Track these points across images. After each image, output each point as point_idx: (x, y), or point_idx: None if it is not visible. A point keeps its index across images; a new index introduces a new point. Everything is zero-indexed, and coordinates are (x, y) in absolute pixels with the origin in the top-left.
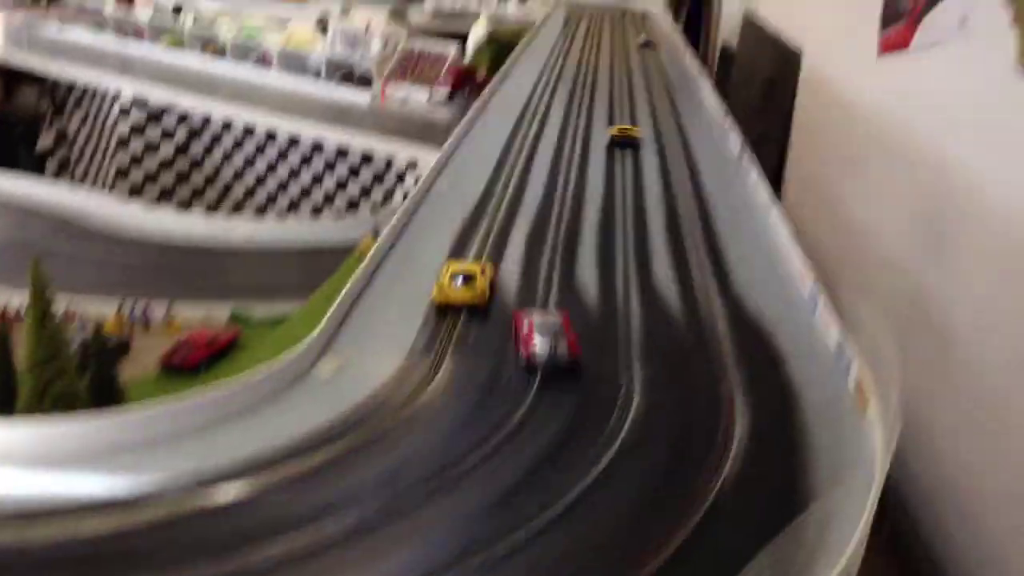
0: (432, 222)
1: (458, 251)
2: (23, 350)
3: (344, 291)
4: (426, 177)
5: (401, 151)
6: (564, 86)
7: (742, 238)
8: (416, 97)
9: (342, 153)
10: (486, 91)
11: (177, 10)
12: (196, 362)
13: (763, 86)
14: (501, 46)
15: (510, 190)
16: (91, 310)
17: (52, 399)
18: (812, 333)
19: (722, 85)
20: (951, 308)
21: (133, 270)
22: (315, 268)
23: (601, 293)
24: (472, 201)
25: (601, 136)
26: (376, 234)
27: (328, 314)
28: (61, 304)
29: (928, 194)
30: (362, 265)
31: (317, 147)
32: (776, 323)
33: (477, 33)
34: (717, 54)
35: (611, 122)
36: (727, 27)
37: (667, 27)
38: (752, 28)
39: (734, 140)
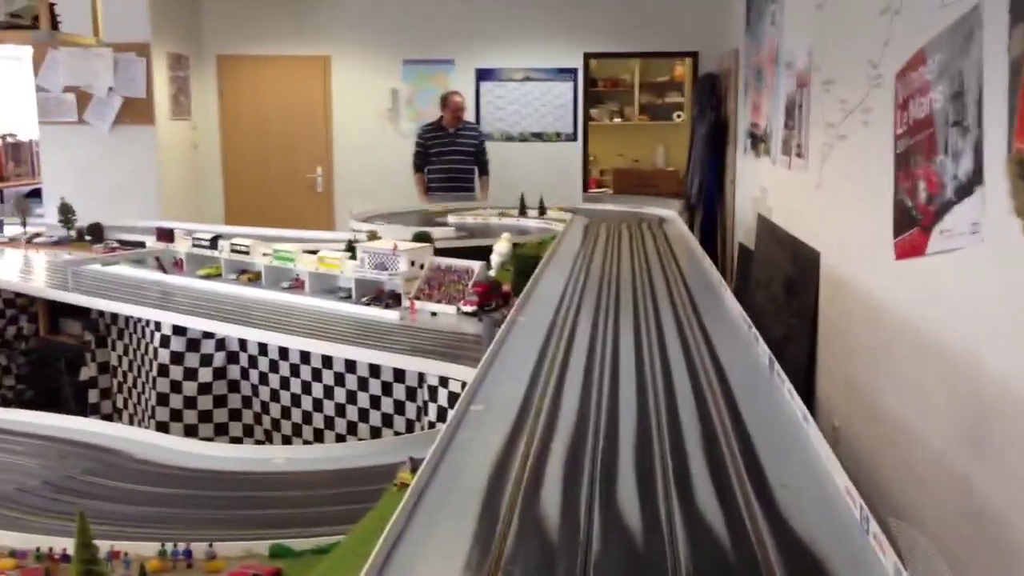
0: (470, 447)
1: (497, 479)
2: None
3: (385, 534)
4: (461, 400)
5: (432, 368)
6: (589, 297)
7: (781, 455)
8: (444, 313)
9: (374, 372)
10: (514, 307)
11: (214, 242)
12: None
13: (785, 284)
14: (524, 259)
15: (544, 412)
16: (133, 548)
17: None
18: (866, 557)
19: (743, 283)
20: (1008, 512)
21: (173, 504)
22: (354, 492)
23: (644, 521)
24: (508, 423)
25: (629, 348)
26: (414, 464)
27: (370, 562)
28: (104, 543)
29: (963, 390)
30: (402, 503)
31: (350, 366)
32: (827, 547)
33: (500, 248)
34: (735, 254)
35: (637, 332)
36: (742, 228)
37: (684, 231)
38: (768, 229)
39: (762, 350)
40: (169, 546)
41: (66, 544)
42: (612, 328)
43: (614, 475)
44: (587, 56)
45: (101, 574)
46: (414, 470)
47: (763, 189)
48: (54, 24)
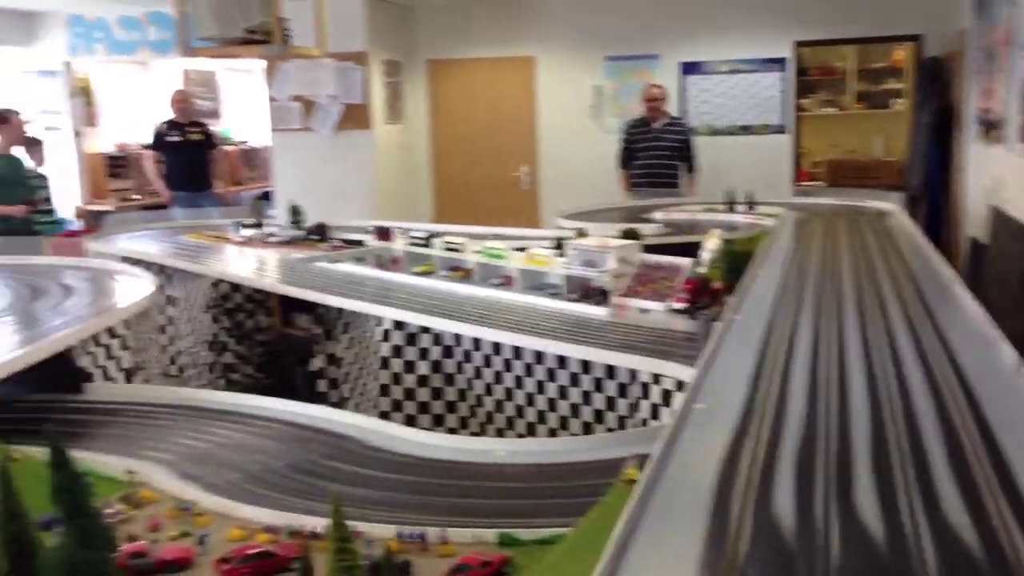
0: (696, 445)
1: (726, 479)
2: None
3: (617, 529)
4: (684, 398)
5: (643, 365)
6: (808, 294)
7: None
8: (653, 310)
9: (585, 368)
10: (729, 305)
11: (428, 240)
12: None
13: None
14: (736, 255)
15: (769, 412)
16: (370, 530)
17: None
18: None
19: (973, 279)
20: None
21: (404, 490)
22: (577, 486)
23: (886, 528)
24: (732, 422)
25: (857, 348)
26: (640, 460)
27: (605, 557)
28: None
29: None
30: (632, 497)
31: (561, 362)
32: None
33: (710, 244)
34: (964, 248)
35: (864, 332)
36: (972, 221)
37: (907, 225)
38: (1003, 221)
39: (1007, 352)
40: (405, 529)
41: (314, 523)
42: (836, 328)
43: (849, 479)
44: (798, 44)
45: (354, 554)
46: (641, 467)
47: (997, 179)
48: (285, 38)
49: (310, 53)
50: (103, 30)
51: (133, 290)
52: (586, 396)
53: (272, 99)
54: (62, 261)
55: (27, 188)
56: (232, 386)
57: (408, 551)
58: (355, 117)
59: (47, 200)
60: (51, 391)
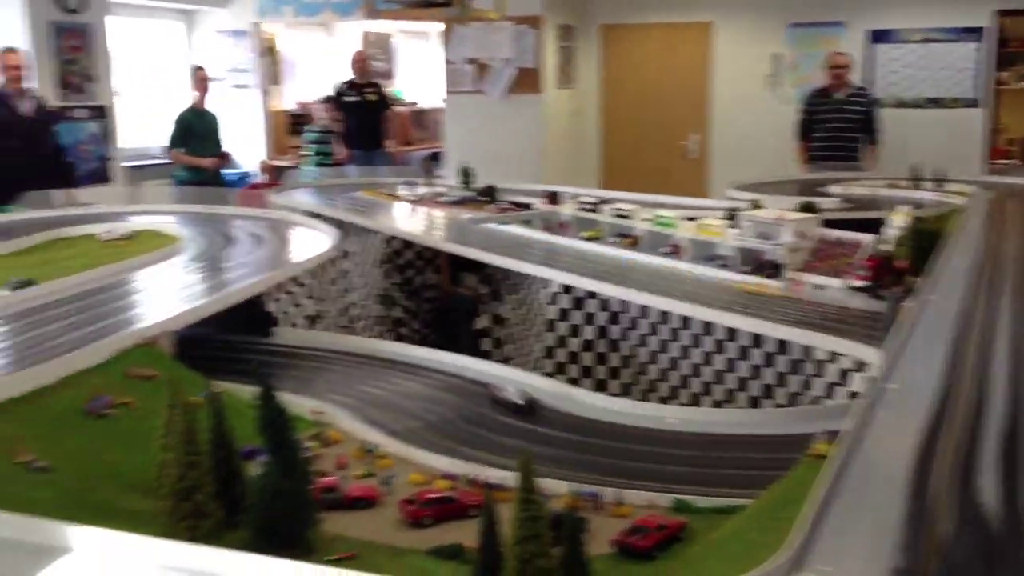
0: (890, 426)
1: (924, 461)
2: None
3: (809, 502)
4: (876, 378)
5: (822, 342)
6: (1005, 278)
7: None
8: (830, 287)
9: (756, 341)
10: (920, 285)
11: (596, 206)
12: (650, 547)
13: None
14: (925, 234)
15: (969, 396)
16: (545, 486)
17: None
18: None
19: None
20: None
21: (577, 449)
22: (756, 458)
23: None
24: (929, 404)
25: None
26: (830, 436)
27: (795, 527)
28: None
29: None
30: (825, 472)
31: (730, 334)
32: None
33: (897, 221)
34: None
35: None
36: None
37: None
38: None
39: None
40: (581, 487)
41: (492, 474)
42: None
43: None
44: (1000, 14)
45: (540, 506)
46: (830, 443)
47: None
48: (465, 2)
49: (488, 16)
50: None
51: (316, 242)
52: (755, 370)
53: (448, 61)
54: (250, 212)
55: (218, 143)
56: (400, 340)
57: (583, 508)
58: (527, 81)
59: None
60: (243, 333)
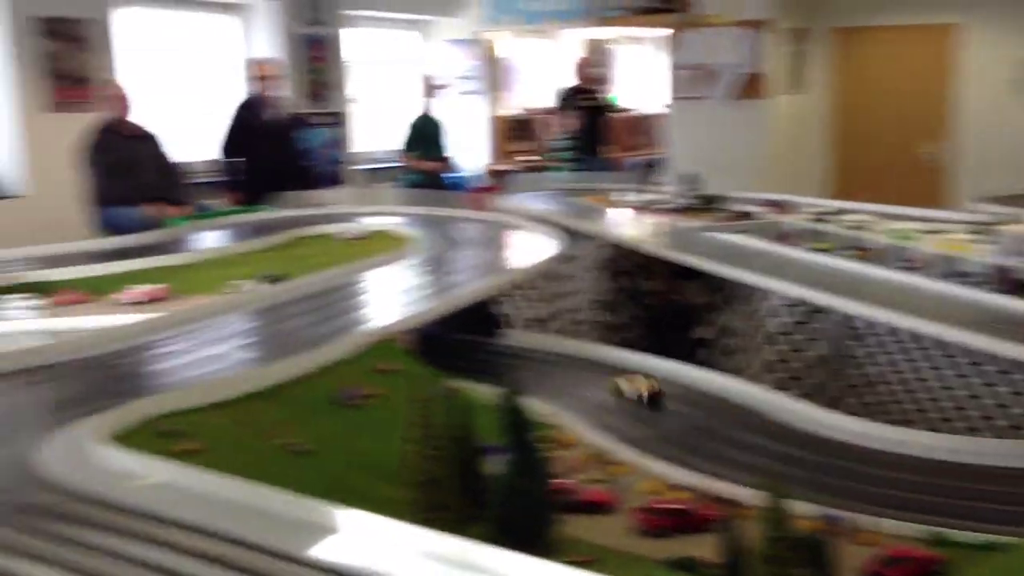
0: None
1: None
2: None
3: None
4: None
5: None
6: None
7: None
8: None
9: (1011, 368)
10: None
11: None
12: None
13: None
14: None
15: None
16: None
17: None
18: None
19: None
20: None
21: (817, 470)
22: (1016, 494)
23: None
24: None
25: None
26: None
27: None
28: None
29: None
30: None
31: (974, 359)
32: None
33: None
34: None
35: None
36: None
37: None
38: None
39: None
40: (829, 511)
41: (731, 490)
42: None
43: None
44: None
45: (790, 525)
46: None
47: None
48: (690, 7)
49: (715, 21)
50: (516, 1)
51: (541, 246)
52: (1008, 399)
53: (673, 67)
54: (475, 214)
55: (441, 147)
56: (619, 346)
57: (829, 533)
58: (753, 86)
59: None
60: (472, 333)
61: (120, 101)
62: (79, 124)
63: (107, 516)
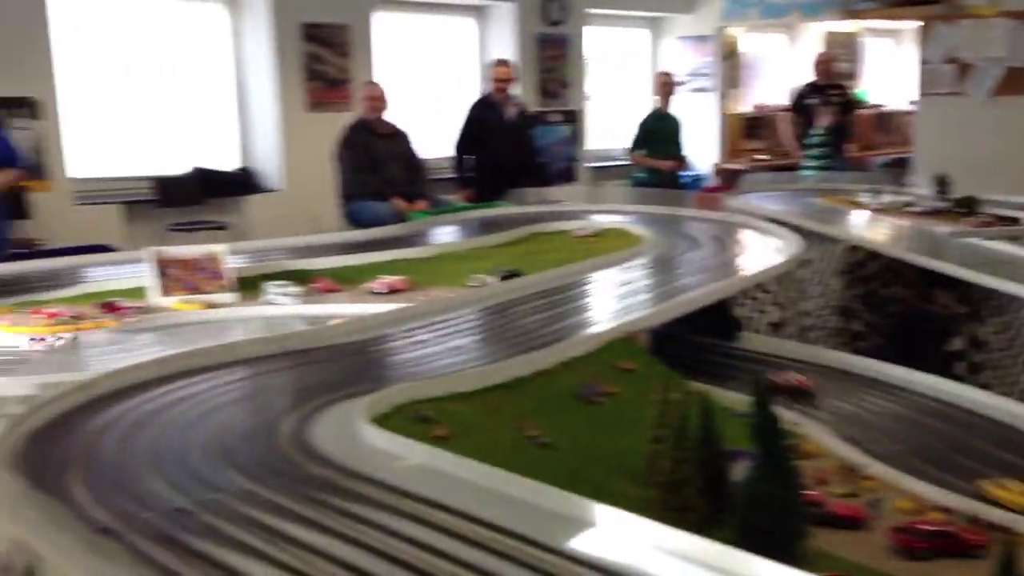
0: None
1: None
2: None
3: None
4: None
5: None
6: None
7: None
8: None
9: None
10: None
11: None
12: None
13: None
14: None
15: None
16: None
17: None
18: None
19: None
20: None
21: None
22: None
23: None
24: None
25: None
26: None
27: None
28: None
29: None
30: None
31: None
32: None
33: None
34: None
35: None
36: None
37: None
38: None
39: None
40: None
41: (992, 511)
42: None
43: None
44: None
45: None
46: None
47: None
48: None
49: (981, 12)
50: None
51: (778, 248)
52: None
53: (923, 61)
54: (707, 214)
55: (678, 146)
56: (857, 354)
57: None
58: (1017, 82)
59: None
60: (710, 335)
61: (377, 101)
62: (332, 123)
63: (374, 491)
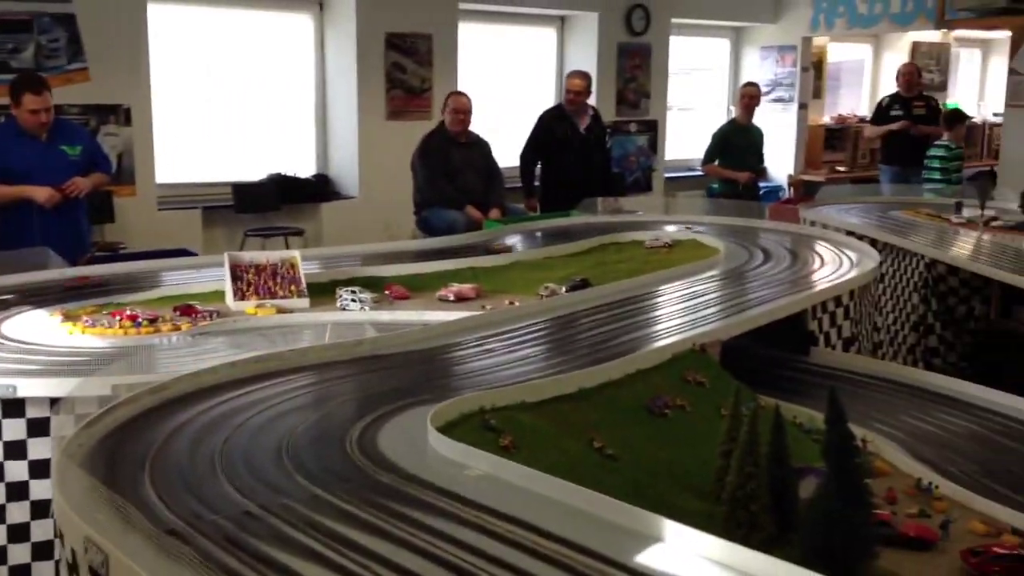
0: None
1: None
2: None
3: None
4: None
5: None
6: None
7: None
8: None
9: None
10: None
11: None
12: None
13: None
14: None
15: None
16: None
17: None
18: None
19: None
20: None
21: None
22: None
23: None
24: None
25: None
26: None
27: None
28: None
29: None
30: None
31: None
32: None
33: None
34: None
35: None
36: None
37: None
38: None
39: None
40: None
41: None
42: None
43: None
44: None
45: None
46: None
47: None
48: None
49: None
50: (846, 4)
51: (857, 262)
52: None
53: (1011, 71)
54: (782, 227)
55: (760, 157)
56: (931, 371)
57: None
58: None
59: None
60: (782, 349)
61: (463, 115)
62: (410, 132)
63: (439, 500)
